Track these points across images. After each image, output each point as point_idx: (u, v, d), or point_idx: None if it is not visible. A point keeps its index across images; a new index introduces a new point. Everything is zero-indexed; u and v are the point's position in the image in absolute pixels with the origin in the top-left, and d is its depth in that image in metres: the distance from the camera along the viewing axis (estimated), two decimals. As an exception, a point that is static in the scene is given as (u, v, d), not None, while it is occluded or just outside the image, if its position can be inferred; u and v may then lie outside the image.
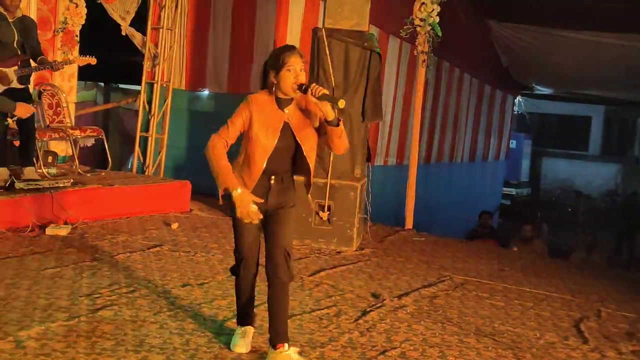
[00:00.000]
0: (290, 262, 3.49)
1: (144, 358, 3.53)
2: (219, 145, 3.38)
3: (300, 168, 3.53)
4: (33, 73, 6.59)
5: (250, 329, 3.80)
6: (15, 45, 6.26)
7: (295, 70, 3.34)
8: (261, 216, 3.41)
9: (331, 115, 3.35)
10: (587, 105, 20.79)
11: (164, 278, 5.01)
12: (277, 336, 3.52)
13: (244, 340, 3.73)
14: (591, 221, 17.00)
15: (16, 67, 6.24)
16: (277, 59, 3.36)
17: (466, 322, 4.66)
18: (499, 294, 5.51)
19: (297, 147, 3.46)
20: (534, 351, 4.23)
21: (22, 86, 6.36)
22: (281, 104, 3.43)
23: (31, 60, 6.37)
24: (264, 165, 3.42)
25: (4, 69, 6.20)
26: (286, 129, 3.42)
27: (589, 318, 5.08)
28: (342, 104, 3.28)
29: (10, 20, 6.23)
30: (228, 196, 3.38)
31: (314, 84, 3.31)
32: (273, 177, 3.48)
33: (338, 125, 3.38)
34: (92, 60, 6.54)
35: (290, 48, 3.41)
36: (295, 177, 3.60)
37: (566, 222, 18.03)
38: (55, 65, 6.40)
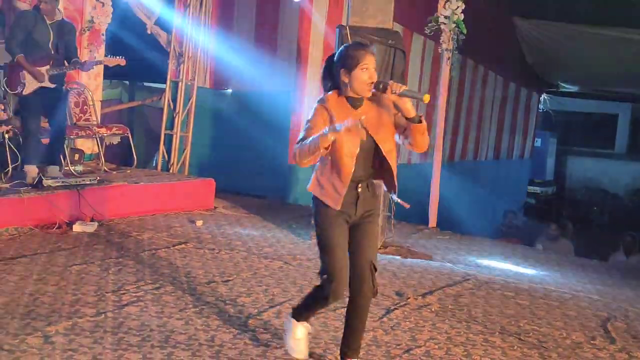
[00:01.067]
0: (374, 276, 3.30)
1: (170, 354, 3.56)
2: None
3: (380, 170, 3.30)
4: (66, 73, 6.70)
5: (307, 329, 3.59)
6: (50, 45, 6.43)
7: (369, 69, 3.17)
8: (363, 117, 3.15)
9: (412, 112, 3.16)
10: (613, 103, 20.52)
11: (188, 275, 5.04)
12: (349, 350, 3.43)
13: (305, 345, 3.55)
14: (618, 221, 16.78)
15: (48, 67, 6.38)
16: (349, 58, 3.18)
17: (491, 321, 4.63)
18: (524, 293, 5.46)
19: (376, 149, 3.24)
20: (560, 351, 4.19)
21: (54, 85, 6.47)
22: (354, 104, 3.25)
23: (65, 61, 6.51)
24: (353, 167, 3.20)
25: (37, 68, 6.34)
26: (362, 128, 3.15)
27: (616, 318, 5.02)
28: (427, 98, 3.13)
29: (48, 22, 6.41)
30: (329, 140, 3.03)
31: (391, 81, 3.14)
32: (360, 184, 3.25)
33: (421, 121, 3.18)
34: (122, 62, 6.63)
35: (364, 45, 3.24)
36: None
37: (592, 221, 17.84)
38: (85, 66, 6.53)
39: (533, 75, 15.83)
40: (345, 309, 3.42)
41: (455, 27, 7.59)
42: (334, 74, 3.26)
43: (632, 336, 4.63)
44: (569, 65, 14.66)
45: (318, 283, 3.31)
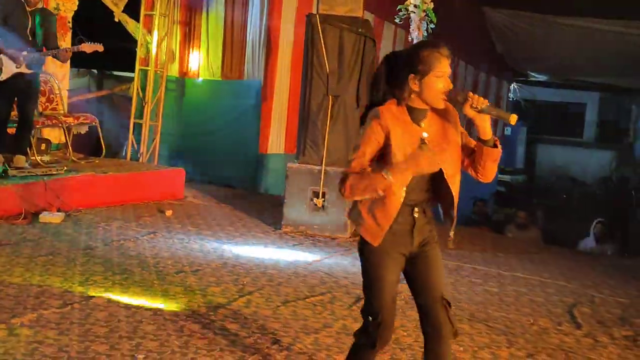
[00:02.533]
0: (450, 313, 2.74)
1: (138, 344, 3.52)
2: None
3: (436, 195, 2.79)
4: (44, 59, 6.64)
5: None
6: (27, 32, 6.36)
7: (445, 77, 2.65)
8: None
9: (489, 133, 2.70)
10: (582, 93, 20.76)
11: (157, 265, 5.00)
12: None
13: None
14: (585, 208, 17.01)
15: (25, 53, 6.29)
16: (422, 61, 2.63)
17: (460, 308, 4.67)
18: (493, 280, 5.52)
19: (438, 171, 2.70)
20: (528, 337, 4.24)
21: (31, 71, 6.41)
22: (415, 116, 2.71)
23: (44, 48, 6.45)
24: (403, 195, 2.67)
25: (14, 54, 6.27)
26: (413, 145, 2.67)
27: (582, 303, 5.09)
28: (513, 119, 2.67)
29: (29, 9, 6.36)
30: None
31: (471, 93, 2.67)
32: (415, 208, 2.73)
33: (496, 145, 2.71)
34: (100, 47, 6.53)
35: (440, 46, 2.67)
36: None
37: (561, 208, 18.06)
38: (62, 54, 6.44)
39: (503, 65, 15.93)
40: None
41: (425, 15, 7.59)
42: (396, 78, 2.70)
43: (598, 321, 4.70)
44: (539, 55, 14.76)
45: (356, 333, 2.88)
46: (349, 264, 5.58)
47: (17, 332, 3.53)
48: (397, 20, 7.78)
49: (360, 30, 6.49)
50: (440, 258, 2.83)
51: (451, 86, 2.68)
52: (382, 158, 2.67)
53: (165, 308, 4.10)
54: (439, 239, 2.84)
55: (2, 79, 6.32)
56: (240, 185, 9.16)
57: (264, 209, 7.45)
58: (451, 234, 2.90)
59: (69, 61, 8.48)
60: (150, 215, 6.68)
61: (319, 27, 6.43)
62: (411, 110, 2.70)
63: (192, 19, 9.60)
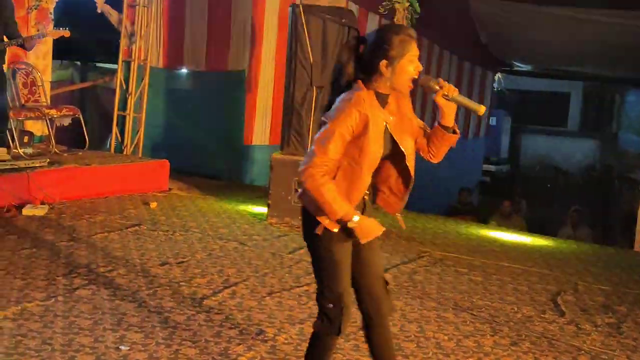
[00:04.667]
0: (389, 292, 2.86)
1: (122, 336, 3.52)
2: (321, 173, 2.56)
3: (388, 178, 2.81)
4: (7, 50, 6.46)
5: None
6: None
7: (416, 60, 2.63)
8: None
9: (452, 120, 2.71)
10: (566, 82, 20.86)
11: (142, 257, 4.98)
12: None
13: None
14: (569, 197, 17.14)
15: None
16: (395, 46, 2.59)
17: (445, 298, 4.69)
18: (477, 269, 5.55)
19: (396, 154, 2.72)
20: (512, 325, 4.27)
21: None
22: (383, 101, 2.67)
23: (5, 37, 6.26)
24: (369, 182, 2.70)
25: None
26: (386, 132, 2.67)
27: (566, 292, 5.13)
28: (482, 110, 2.71)
29: None
30: (343, 227, 2.62)
31: (443, 81, 2.68)
32: (366, 192, 2.74)
33: (455, 132, 2.74)
34: (66, 33, 6.44)
35: (411, 32, 2.64)
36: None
37: (545, 197, 18.19)
38: (28, 42, 6.29)
39: (487, 55, 15.96)
40: (368, 342, 2.91)
41: (409, 6, 7.60)
42: (367, 63, 2.64)
43: (581, 309, 4.75)
44: (523, 45, 14.80)
45: (317, 320, 2.82)
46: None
47: (1, 325, 3.51)
48: (381, 11, 7.79)
49: (343, 20, 6.48)
50: (379, 244, 2.89)
51: (421, 68, 2.66)
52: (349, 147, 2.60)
53: (149, 300, 4.09)
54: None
55: None
56: (226, 177, 9.14)
57: (249, 200, 7.44)
58: (400, 215, 2.94)
59: (51, 52, 8.44)
60: (134, 207, 6.65)
61: (303, 18, 6.41)
62: (378, 96, 2.66)
63: (176, 9, 9.53)
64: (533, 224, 10.38)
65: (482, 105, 2.73)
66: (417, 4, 7.63)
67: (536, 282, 5.32)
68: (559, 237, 8.92)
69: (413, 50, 2.61)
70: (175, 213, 6.55)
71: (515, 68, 18.17)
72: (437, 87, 2.67)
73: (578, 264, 6.20)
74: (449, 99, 2.68)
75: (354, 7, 8.12)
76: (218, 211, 6.86)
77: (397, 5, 7.70)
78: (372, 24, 9.82)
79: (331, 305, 2.72)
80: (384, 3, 7.68)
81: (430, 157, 2.82)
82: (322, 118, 2.64)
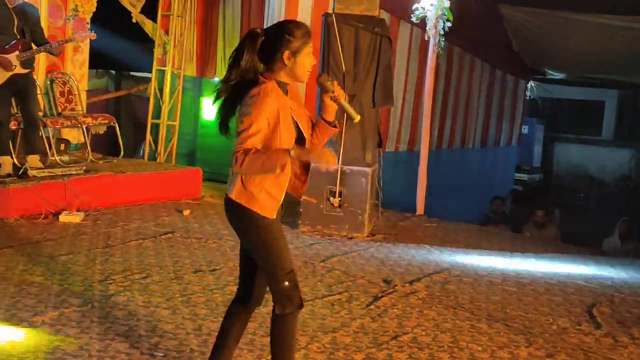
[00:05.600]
0: None
1: (157, 343, 3.55)
2: (242, 154, 2.69)
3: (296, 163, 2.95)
4: (35, 58, 6.56)
5: None
6: (15, 31, 6.26)
7: (312, 56, 2.85)
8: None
9: (334, 116, 2.93)
10: (600, 90, 20.58)
11: (176, 264, 5.03)
12: None
13: None
14: (604, 207, 16.89)
15: (17, 52, 6.23)
16: (297, 39, 2.77)
17: (478, 308, 4.66)
18: (511, 280, 5.49)
19: (298, 140, 2.87)
20: (547, 336, 4.22)
21: (26, 70, 6.35)
22: (283, 89, 2.85)
23: (33, 44, 6.38)
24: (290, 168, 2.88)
25: (6, 56, 6.19)
26: (292, 119, 2.85)
27: (601, 303, 5.05)
28: (357, 118, 3.00)
29: (10, 6, 6.24)
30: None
31: (336, 84, 2.88)
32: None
33: (335, 126, 2.95)
34: (92, 36, 6.56)
35: (307, 27, 2.85)
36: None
37: (579, 207, 17.97)
38: (55, 48, 6.38)
39: (520, 63, 15.83)
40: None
41: (442, 14, 7.58)
42: (269, 54, 2.79)
43: (617, 321, 4.67)
44: (556, 53, 14.66)
45: (277, 305, 2.85)
46: (366, 262, 5.58)
47: (39, 331, 3.57)
48: (413, 19, 7.78)
49: (376, 29, 6.48)
50: None
51: (315, 61, 2.87)
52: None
53: (183, 307, 4.12)
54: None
55: None
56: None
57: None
58: (302, 199, 3.13)
59: (87, 62, 8.57)
60: (168, 214, 6.72)
61: (335, 27, 6.43)
62: (279, 84, 2.82)
63: (209, 19, 9.64)
64: (567, 234, 10.23)
65: (358, 115, 3.01)
66: (450, 12, 7.62)
67: (571, 293, 5.25)
68: (604, 248, 8.77)
69: (310, 44, 2.83)
70: (208, 221, 6.61)
71: (548, 76, 17.99)
72: (331, 89, 2.87)
73: (614, 276, 6.10)
74: (335, 100, 2.89)
75: (385, 16, 8.11)
76: (250, 219, 6.89)
77: (429, 14, 7.69)
78: (404, 32, 9.82)
79: (287, 283, 2.83)
80: (416, 12, 7.68)
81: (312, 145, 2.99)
82: (239, 117, 2.77)
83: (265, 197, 2.82)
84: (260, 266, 2.90)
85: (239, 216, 2.87)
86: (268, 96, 2.73)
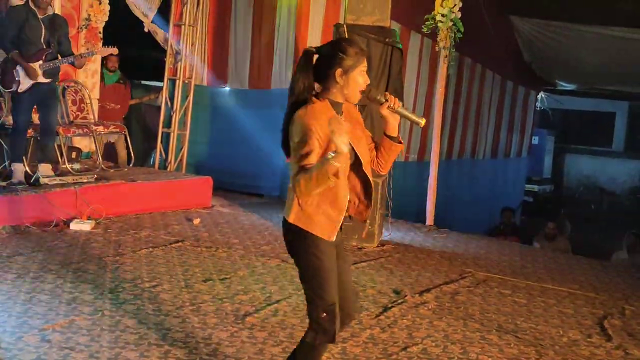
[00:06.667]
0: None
1: (167, 352, 3.56)
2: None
3: (354, 185, 2.89)
4: (60, 67, 6.63)
5: None
6: (42, 41, 6.32)
7: (365, 75, 2.78)
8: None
9: (396, 130, 2.85)
10: (610, 101, 20.54)
11: (186, 273, 5.04)
12: None
13: None
14: (615, 219, 16.81)
15: (41, 62, 6.31)
16: (350, 57, 2.72)
17: (488, 319, 4.64)
18: (521, 291, 5.47)
19: (354, 162, 2.81)
20: (557, 348, 4.20)
21: (48, 80, 6.40)
22: (336, 110, 2.77)
23: (59, 55, 6.43)
24: (346, 184, 2.81)
25: (31, 64, 6.27)
26: None
27: (612, 315, 5.02)
28: (423, 122, 2.91)
29: (40, 16, 6.30)
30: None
31: (389, 94, 2.82)
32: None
33: (400, 142, 2.88)
34: (114, 51, 6.60)
35: (363, 46, 2.83)
36: None
37: (589, 219, 17.88)
38: (78, 60, 6.44)
39: (530, 74, 15.83)
40: None
41: (453, 25, 7.59)
42: (323, 72, 2.76)
43: (628, 334, 4.64)
44: (566, 64, 14.66)
45: (311, 332, 2.80)
46: (376, 273, 5.58)
47: (49, 338, 3.58)
48: (424, 30, 7.79)
49: (387, 40, 6.50)
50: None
51: (369, 81, 2.80)
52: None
53: (193, 316, 4.13)
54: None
55: (20, 90, 6.31)
56: (268, 194, 9.20)
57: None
58: (368, 222, 3.02)
59: (99, 71, 8.64)
60: (178, 223, 6.73)
61: (347, 37, 6.45)
62: (332, 104, 2.77)
63: (220, 28, 9.69)
64: (578, 246, 10.18)
65: (423, 118, 2.92)
66: (461, 23, 7.62)
67: (582, 306, 5.22)
68: (613, 261, 8.72)
69: (364, 63, 2.77)
70: (218, 230, 6.62)
71: (559, 87, 17.98)
72: (383, 100, 2.81)
73: (625, 288, 6.06)
74: (393, 110, 2.82)
75: (396, 27, 8.13)
76: (260, 228, 6.91)
77: (440, 25, 7.70)
78: (414, 43, 9.84)
79: (325, 315, 2.75)
80: (427, 22, 7.69)
81: (379, 169, 2.95)
82: (291, 141, 2.71)
83: (324, 219, 2.75)
84: (304, 290, 2.84)
85: (298, 239, 2.80)
86: (313, 117, 2.66)
